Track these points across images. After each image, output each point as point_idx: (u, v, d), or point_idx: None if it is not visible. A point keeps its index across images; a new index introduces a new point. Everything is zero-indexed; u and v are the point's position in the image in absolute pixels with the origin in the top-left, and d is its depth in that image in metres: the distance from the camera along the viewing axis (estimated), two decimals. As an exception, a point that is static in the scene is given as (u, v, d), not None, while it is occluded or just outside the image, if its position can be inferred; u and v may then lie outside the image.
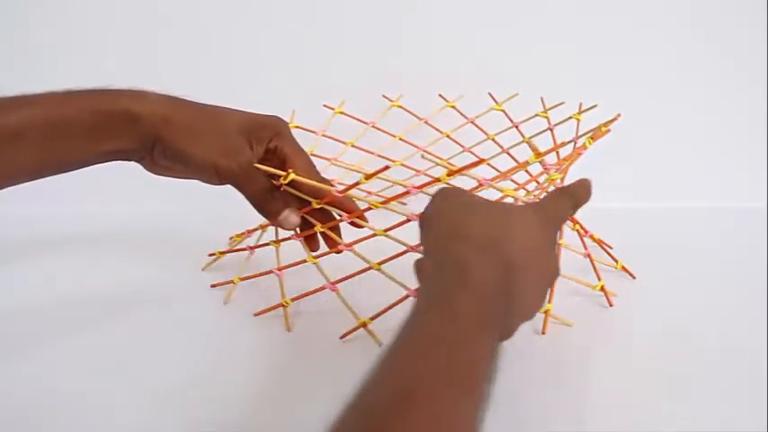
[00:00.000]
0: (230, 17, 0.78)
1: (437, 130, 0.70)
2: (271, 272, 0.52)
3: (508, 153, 0.66)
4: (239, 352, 0.46)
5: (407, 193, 0.43)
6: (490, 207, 0.36)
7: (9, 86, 0.43)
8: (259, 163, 0.47)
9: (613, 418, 0.39)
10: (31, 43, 0.78)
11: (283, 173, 0.46)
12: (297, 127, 0.64)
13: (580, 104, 0.61)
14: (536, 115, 0.65)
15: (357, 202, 0.50)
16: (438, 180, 0.43)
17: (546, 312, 0.48)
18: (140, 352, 0.45)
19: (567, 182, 0.57)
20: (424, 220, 0.37)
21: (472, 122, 0.69)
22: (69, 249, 0.64)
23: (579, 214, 0.60)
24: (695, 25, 0.79)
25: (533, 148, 0.46)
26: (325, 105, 0.69)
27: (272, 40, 0.78)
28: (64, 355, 0.44)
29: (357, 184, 0.44)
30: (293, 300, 0.49)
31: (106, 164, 0.46)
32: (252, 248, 0.56)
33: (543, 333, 0.48)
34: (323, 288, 0.48)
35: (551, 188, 0.56)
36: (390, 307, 0.47)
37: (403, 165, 0.70)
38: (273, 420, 0.38)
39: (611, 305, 0.52)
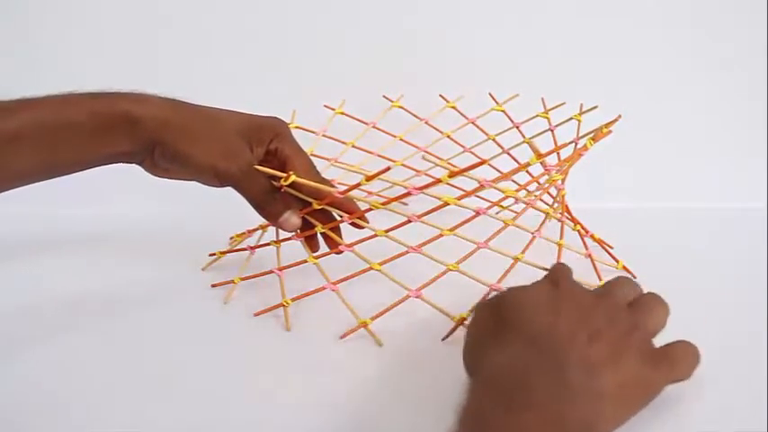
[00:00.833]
0: (230, 17, 0.78)
1: (437, 130, 0.70)
2: (271, 272, 0.52)
3: (509, 153, 0.66)
4: (239, 352, 0.46)
5: (408, 194, 0.43)
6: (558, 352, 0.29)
7: (8, 87, 0.43)
8: (259, 164, 0.47)
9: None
10: (31, 44, 0.78)
11: (284, 174, 0.46)
12: (297, 127, 0.64)
13: (581, 105, 0.61)
14: (537, 116, 0.65)
15: (358, 203, 0.50)
16: (439, 181, 0.43)
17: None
18: (140, 352, 0.45)
19: (567, 183, 0.57)
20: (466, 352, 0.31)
21: (473, 123, 0.69)
22: (69, 249, 0.64)
23: (580, 214, 0.60)
24: (695, 25, 0.79)
25: (534, 149, 0.46)
26: (325, 106, 0.69)
27: (272, 41, 0.78)
28: (63, 355, 0.44)
29: (358, 185, 0.44)
30: (293, 300, 0.49)
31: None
32: (252, 248, 0.56)
33: (544, 333, 0.47)
34: (323, 288, 0.48)
35: (552, 189, 0.56)
36: (391, 307, 0.47)
37: (404, 165, 0.70)
38: (274, 420, 0.38)
39: (611, 305, 0.52)
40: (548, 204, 0.61)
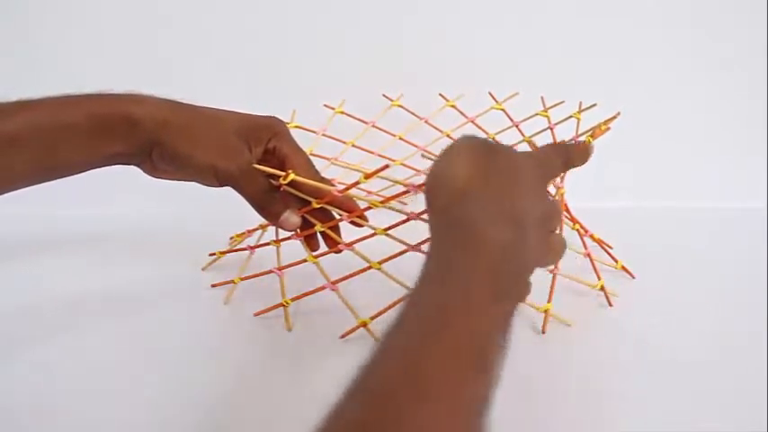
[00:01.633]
0: (230, 17, 0.78)
1: (437, 129, 0.70)
2: (271, 271, 0.52)
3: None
4: (240, 352, 0.46)
5: (407, 192, 0.43)
6: (494, 156, 0.33)
7: (8, 87, 0.43)
8: (258, 164, 0.47)
9: (613, 417, 0.39)
10: (31, 44, 0.78)
11: (283, 173, 0.46)
12: (297, 127, 0.64)
13: (580, 103, 0.61)
14: (536, 114, 0.65)
15: (357, 202, 0.50)
16: None
17: (546, 312, 0.48)
18: (140, 352, 0.45)
19: (566, 180, 0.57)
20: (428, 179, 0.33)
21: (472, 122, 0.69)
22: (69, 250, 0.64)
23: (579, 214, 0.60)
24: (695, 25, 0.79)
25: (533, 147, 0.46)
26: (325, 105, 0.69)
27: (272, 40, 0.78)
28: (63, 355, 0.44)
29: (357, 183, 0.44)
30: (293, 299, 0.49)
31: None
32: (252, 248, 0.56)
33: (543, 332, 0.48)
34: (323, 288, 0.48)
35: (551, 188, 0.56)
36: (391, 306, 0.47)
37: (403, 164, 0.70)
38: (274, 420, 0.38)
39: (610, 305, 0.52)
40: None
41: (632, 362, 0.45)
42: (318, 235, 0.51)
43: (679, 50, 0.80)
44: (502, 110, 0.67)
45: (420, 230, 0.46)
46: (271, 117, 0.50)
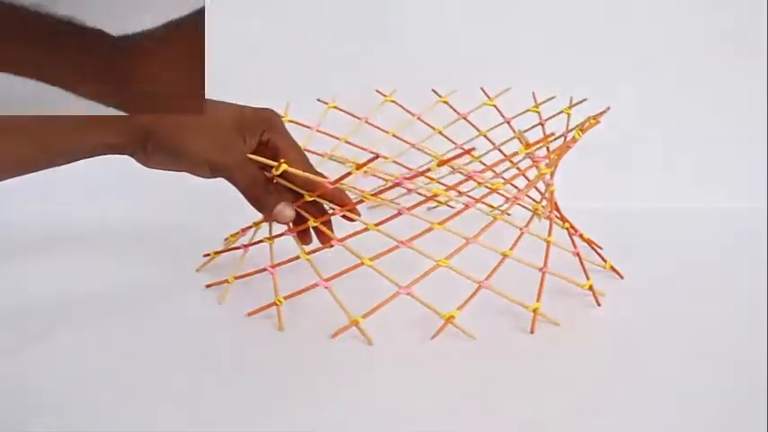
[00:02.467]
0: (225, 11, 0.77)
1: (430, 126, 0.70)
2: (264, 269, 0.51)
3: (500, 150, 0.65)
4: (236, 351, 0.46)
5: (398, 184, 0.44)
6: None
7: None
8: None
9: (601, 417, 0.38)
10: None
11: (276, 163, 0.46)
12: (291, 121, 0.63)
13: (570, 99, 0.60)
14: (527, 110, 0.64)
15: (349, 195, 0.49)
16: (428, 170, 0.44)
17: (534, 311, 0.47)
18: (135, 353, 0.45)
19: (556, 176, 0.56)
20: None
21: (464, 118, 0.69)
22: (62, 249, 0.64)
23: (570, 214, 0.59)
24: (695, 25, 0.79)
25: (522, 141, 0.46)
26: (318, 100, 0.69)
27: (266, 35, 0.78)
28: (59, 355, 0.44)
29: (349, 174, 0.44)
30: (286, 298, 0.48)
31: (101, 166, 0.47)
32: (245, 247, 0.55)
33: (532, 332, 0.47)
34: (315, 285, 0.48)
35: (540, 183, 0.55)
36: (381, 305, 0.47)
37: (395, 162, 0.70)
38: (268, 419, 0.38)
39: (599, 305, 0.51)
40: (536, 201, 0.60)
41: (620, 362, 0.44)
42: (311, 229, 0.51)
43: (678, 50, 0.79)
44: (493, 106, 0.67)
45: (411, 226, 0.47)
46: (266, 109, 0.49)
